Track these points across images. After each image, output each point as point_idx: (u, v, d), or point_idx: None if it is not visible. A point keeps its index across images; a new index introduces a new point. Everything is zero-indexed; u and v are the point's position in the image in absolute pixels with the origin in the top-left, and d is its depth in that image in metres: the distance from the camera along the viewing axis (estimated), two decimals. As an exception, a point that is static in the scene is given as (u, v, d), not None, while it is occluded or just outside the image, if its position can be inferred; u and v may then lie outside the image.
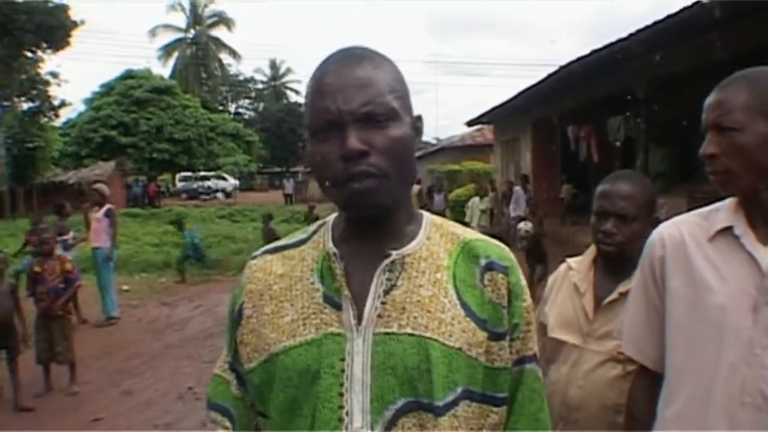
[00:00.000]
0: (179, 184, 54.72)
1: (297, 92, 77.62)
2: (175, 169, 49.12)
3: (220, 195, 51.38)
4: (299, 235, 1.62)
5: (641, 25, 10.76)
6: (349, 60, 1.44)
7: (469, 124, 28.79)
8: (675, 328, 2.00)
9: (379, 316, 1.42)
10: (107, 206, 11.54)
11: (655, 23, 10.28)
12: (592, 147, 19.41)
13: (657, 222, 2.54)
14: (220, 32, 67.91)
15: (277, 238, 1.75)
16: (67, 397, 7.75)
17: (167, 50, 66.19)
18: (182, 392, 7.77)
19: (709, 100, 1.93)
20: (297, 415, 1.42)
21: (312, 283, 1.49)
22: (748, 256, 1.87)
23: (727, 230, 1.93)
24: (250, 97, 78.37)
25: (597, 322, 2.59)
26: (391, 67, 1.49)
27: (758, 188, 1.88)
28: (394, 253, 1.45)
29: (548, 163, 20.86)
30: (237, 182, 54.16)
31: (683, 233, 2.02)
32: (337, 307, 1.44)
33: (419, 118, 1.53)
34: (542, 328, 2.73)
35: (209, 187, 52.71)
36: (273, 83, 78.48)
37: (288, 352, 1.44)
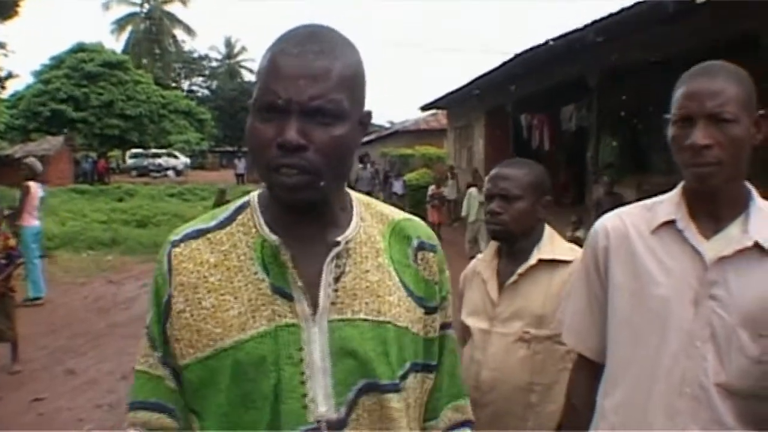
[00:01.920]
0: (129, 161, 54.01)
1: (251, 71, 76.88)
2: (126, 145, 48.34)
3: (170, 173, 50.81)
4: (219, 216, 1.55)
5: (597, 16, 10.84)
6: (311, 43, 1.39)
7: (423, 108, 28.78)
8: (618, 318, 2.02)
9: (332, 303, 1.44)
10: (25, 184, 10.89)
11: (611, 15, 10.36)
12: (545, 135, 19.55)
13: (548, 204, 2.72)
14: (174, 7, 67.06)
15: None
16: (8, 376, 7.58)
17: (120, 24, 65.15)
18: (126, 372, 7.60)
19: (702, 87, 1.85)
20: (251, 408, 1.41)
21: (255, 274, 1.45)
22: (691, 249, 1.90)
23: (670, 223, 1.95)
24: (203, 75, 77.60)
25: (501, 305, 2.68)
26: (353, 57, 1.45)
27: (732, 181, 1.89)
28: (341, 240, 1.47)
29: (501, 151, 20.88)
30: (188, 160, 53.61)
31: (627, 224, 2.04)
32: (288, 297, 1.43)
33: (368, 114, 1.50)
34: (463, 325, 2.81)
35: (160, 165, 52.10)
36: (227, 61, 77.84)
37: (240, 346, 1.41)
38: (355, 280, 1.47)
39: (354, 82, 1.43)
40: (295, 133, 1.34)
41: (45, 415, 6.51)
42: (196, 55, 75.43)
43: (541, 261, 2.63)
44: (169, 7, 66.62)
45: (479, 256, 2.93)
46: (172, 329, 1.48)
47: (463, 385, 1.72)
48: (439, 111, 30.31)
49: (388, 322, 1.47)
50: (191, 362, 1.45)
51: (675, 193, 2.01)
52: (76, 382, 7.43)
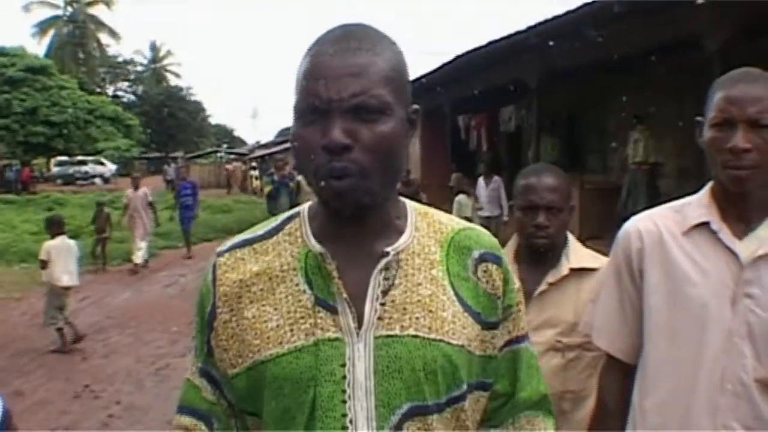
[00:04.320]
0: (55, 169, 52.50)
1: (177, 75, 76.63)
2: (51, 153, 47.12)
3: (98, 180, 49.70)
4: (267, 226, 1.51)
5: (540, 18, 10.93)
6: (347, 41, 1.34)
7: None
8: (655, 320, 2.05)
9: (379, 318, 1.36)
10: None
11: (555, 17, 10.44)
12: (483, 136, 19.68)
13: (572, 210, 2.68)
14: (98, 10, 65.88)
15: None
16: (-49, 399, 7.22)
17: (42, 27, 63.64)
18: (78, 391, 7.40)
19: (743, 92, 1.90)
20: (291, 425, 1.35)
21: (297, 285, 1.39)
22: (726, 249, 1.95)
23: (702, 225, 1.99)
24: (129, 80, 76.20)
25: (530, 314, 2.56)
26: (392, 53, 1.39)
27: (765, 185, 1.92)
28: (390, 251, 1.39)
29: (438, 152, 20.98)
30: (115, 167, 52.57)
31: (659, 226, 2.07)
32: (332, 310, 1.36)
33: (416, 111, 1.45)
34: None
35: (86, 172, 50.88)
36: (153, 65, 76.67)
37: (276, 360, 1.35)
38: (406, 293, 1.38)
39: (396, 77, 1.36)
40: (339, 133, 1.28)
41: (-6, 440, 6.21)
42: (121, 59, 74.14)
43: (570, 270, 2.60)
44: (92, 10, 65.44)
45: None
46: (218, 339, 1.45)
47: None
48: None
49: (441, 340, 1.36)
50: (240, 371, 1.42)
51: (703, 195, 2.05)
52: (25, 404, 7.09)
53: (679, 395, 1.98)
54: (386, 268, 1.38)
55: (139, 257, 16.09)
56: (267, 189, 19.79)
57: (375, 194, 1.34)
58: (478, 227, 1.56)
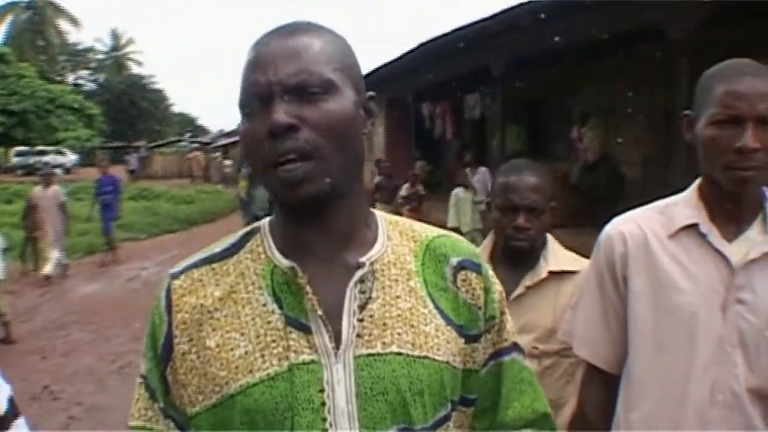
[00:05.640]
0: (14, 160, 51.70)
1: (140, 63, 75.61)
2: (10, 143, 46.29)
3: (59, 171, 48.97)
4: (225, 243, 1.38)
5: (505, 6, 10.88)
6: (283, 31, 1.28)
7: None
8: (641, 328, 1.95)
9: (358, 335, 1.25)
10: None
11: (519, 5, 10.39)
12: (447, 124, 19.63)
13: (553, 210, 2.55)
14: (58, -3, 64.68)
15: None
16: None
17: (-1, 14, 62.47)
18: (37, 392, 7.20)
19: (751, 87, 1.76)
20: None
21: (264, 305, 1.27)
22: (715, 253, 1.85)
23: (690, 227, 1.89)
24: (89, 68, 75.08)
25: None
26: (333, 38, 1.31)
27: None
28: (366, 260, 1.28)
29: (402, 140, 20.91)
30: (76, 157, 51.85)
31: (644, 229, 1.96)
32: (306, 330, 1.24)
33: (372, 98, 1.34)
34: None
35: (47, 163, 50.07)
36: (114, 53, 75.65)
37: (247, 391, 1.22)
38: (384, 307, 1.27)
39: (339, 58, 1.28)
40: (281, 114, 1.19)
41: (-51, 446, 6.02)
42: (81, 47, 73.05)
43: (549, 272, 2.49)
44: (51, -3, 64.28)
45: None
46: (176, 374, 1.30)
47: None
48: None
49: (426, 357, 1.26)
50: (201, 410, 1.27)
51: (691, 195, 1.95)
52: (-19, 407, 6.91)
53: (666, 408, 1.89)
54: (362, 280, 1.28)
55: (49, 268, 13.80)
56: (242, 184, 18.26)
57: (333, 179, 1.23)
58: (453, 234, 1.46)
